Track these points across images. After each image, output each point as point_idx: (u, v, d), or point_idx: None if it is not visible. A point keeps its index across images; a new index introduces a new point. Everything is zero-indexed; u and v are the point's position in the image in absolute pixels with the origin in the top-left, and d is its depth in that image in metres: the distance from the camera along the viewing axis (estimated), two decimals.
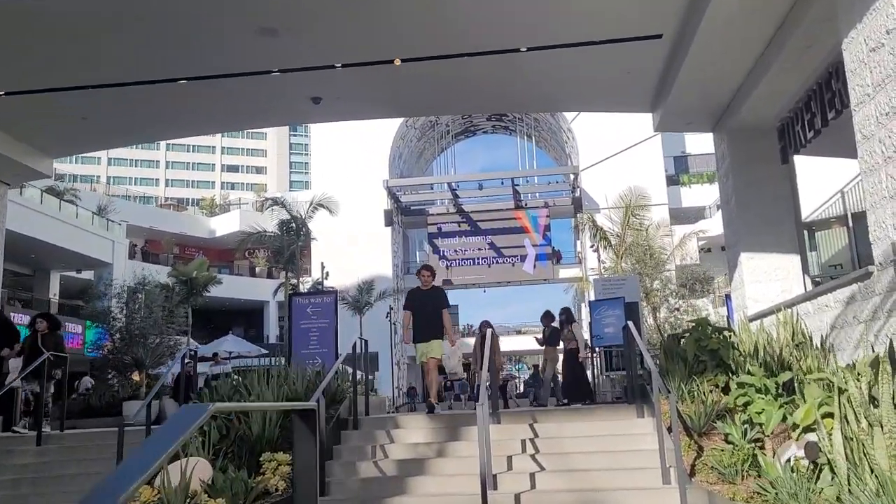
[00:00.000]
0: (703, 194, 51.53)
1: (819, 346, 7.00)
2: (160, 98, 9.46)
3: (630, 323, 7.77)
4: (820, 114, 8.03)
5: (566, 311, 12.68)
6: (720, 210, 39.85)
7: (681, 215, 47.86)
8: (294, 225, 27.99)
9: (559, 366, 12.90)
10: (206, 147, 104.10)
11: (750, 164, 9.82)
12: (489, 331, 9.45)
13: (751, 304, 9.52)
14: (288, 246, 28.34)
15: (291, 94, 9.41)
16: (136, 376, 20.07)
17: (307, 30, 8.02)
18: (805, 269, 9.67)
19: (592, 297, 39.88)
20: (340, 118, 11.94)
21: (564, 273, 51.44)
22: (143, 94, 9.26)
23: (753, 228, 9.74)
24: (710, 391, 6.91)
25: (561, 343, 12.29)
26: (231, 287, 49.61)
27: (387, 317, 39.72)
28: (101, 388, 19.45)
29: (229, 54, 8.57)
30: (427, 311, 9.07)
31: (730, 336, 7.31)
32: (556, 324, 12.62)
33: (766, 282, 9.55)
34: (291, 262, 29.78)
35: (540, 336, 12.93)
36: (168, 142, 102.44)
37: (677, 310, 20.97)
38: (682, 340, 7.60)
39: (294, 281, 35.17)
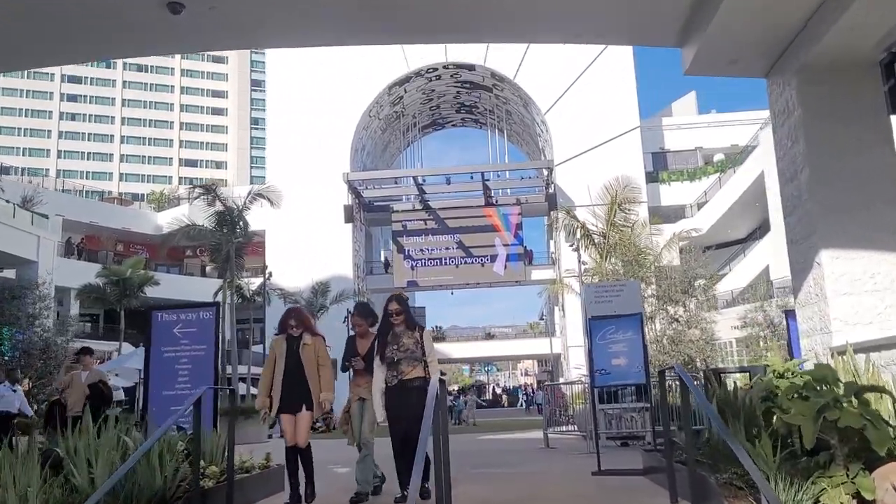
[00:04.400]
0: (683, 192, 48.95)
1: None
2: None
3: (682, 372, 4.47)
4: None
5: (401, 303, 6.42)
6: (704, 207, 36.70)
7: (660, 214, 45.21)
8: (230, 218, 24.30)
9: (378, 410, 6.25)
10: (163, 140, 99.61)
11: (835, 117, 6.62)
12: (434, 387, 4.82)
13: (839, 327, 6.31)
14: (226, 242, 24.69)
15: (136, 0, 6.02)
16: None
17: None
18: None
19: (574, 304, 36.67)
20: (224, 44, 8.41)
21: (537, 274, 48.41)
22: None
23: (837, 214, 6.55)
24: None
25: (379, 366, 6.23)
26: (178, 287, 45.73)
27: (344, 322, 36.21)
28: None
29: None
30: None
31: (878, 404, 4.07)
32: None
33: (859, 294, 6.37)
34: (232, 261, 26.10)
35: (357, 358, 6.94)
36: (123, 134, 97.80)
37: (676, 320, 17.86)
38: (776, 405, 4.37)
39: (238, 282, 31.56)
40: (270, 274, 30.39)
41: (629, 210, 21.46)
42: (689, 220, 45.15)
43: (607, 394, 11.80)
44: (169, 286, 41.73)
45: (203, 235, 26.87)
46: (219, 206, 25.16)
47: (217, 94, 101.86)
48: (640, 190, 24.63)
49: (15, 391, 12.82)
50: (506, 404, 51.44)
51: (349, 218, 45.13)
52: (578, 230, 21.93)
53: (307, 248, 44.37)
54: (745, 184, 40.42)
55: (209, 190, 24.91)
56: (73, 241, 46.08)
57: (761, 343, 22.49)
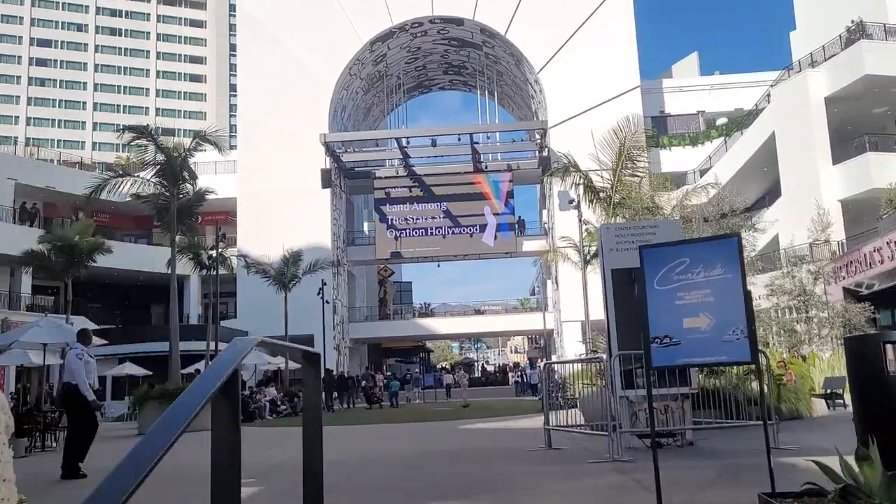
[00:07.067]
0: (685, 158, 45.83)
1: None
2: None
3: None
4: None
5: None
6: (708, 173, 33.28)
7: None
8: (171, 169, 20.82)
9: None
10: (138, 108, 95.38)
11: None
12: None
13: None
14: (171, 198, 21.28)
15: None
16: None
17: None
18: None
19: (569, 275, 33.57)
20: None
21: (528, 246, 45.35)
22: None
23: None
24: None
25: None
26: (134, 257, 42.68)
27: (318, 294, 33.07)
28: None
29: None
30: None
31: None
32: None
33: None
34: (184, 223, 22.75)
35: None
36: (96, 101, 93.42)
37: None
38: None
39: (201, 251, 28.22)
40: (224, 235, 27.09)
41: (639, 157, 18.27)
42: (690, 186, 42.12)
43: (626, 374, 8.73)
44: (124, 255, 38.86)
45: (143, 192, 23.31)
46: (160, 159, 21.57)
47: (195, 59, 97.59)
48: (650, 132, 21.38)
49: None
50: (511, 382, 47.26)
51: (327, 183, 41.84)
52: (581, 184, 18.70)
53: (281, 216, 41.12)
54: (754, 147, 37.28)
55: (143, 132, 21.33)
56: (28, 207, 42.62)
57: (790, 314, 19.51)
